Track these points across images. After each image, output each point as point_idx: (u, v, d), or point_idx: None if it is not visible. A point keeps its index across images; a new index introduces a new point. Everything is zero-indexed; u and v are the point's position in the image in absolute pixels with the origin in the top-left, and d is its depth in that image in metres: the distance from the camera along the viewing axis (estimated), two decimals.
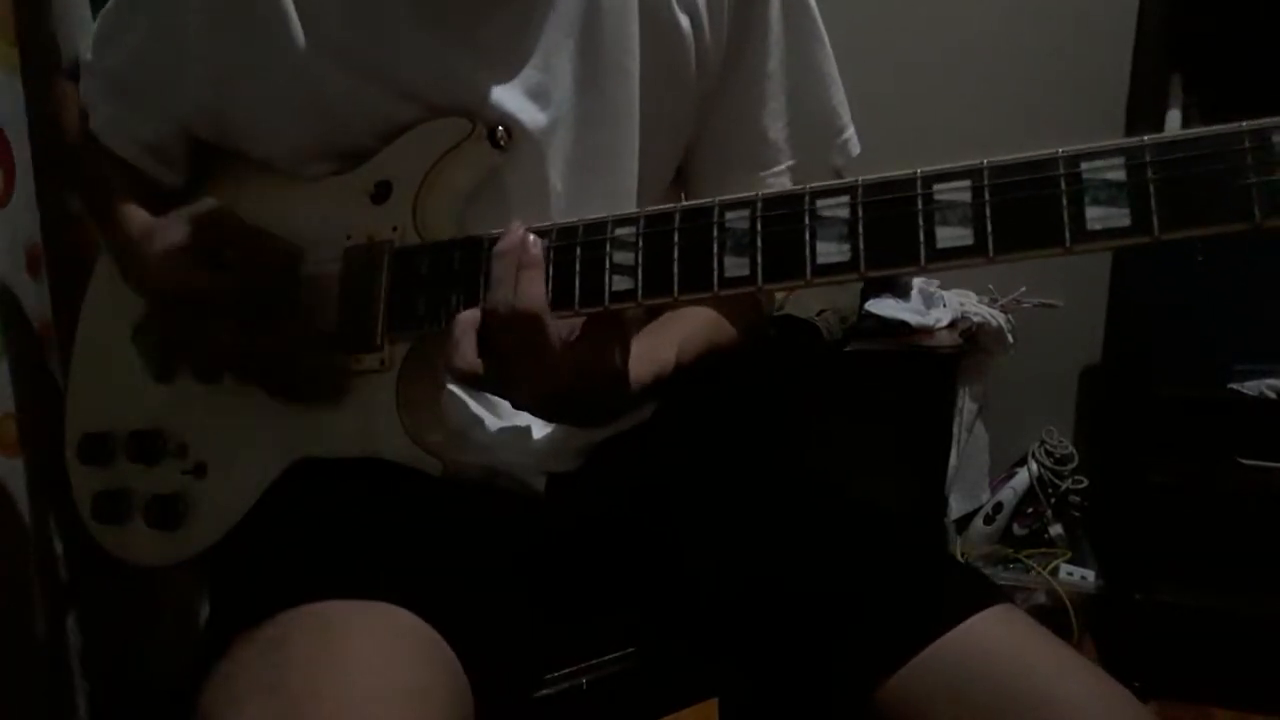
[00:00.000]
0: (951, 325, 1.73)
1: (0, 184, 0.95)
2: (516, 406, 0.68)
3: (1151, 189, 0.50)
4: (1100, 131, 0.54)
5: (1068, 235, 0.52)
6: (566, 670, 0.82)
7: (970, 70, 1.95)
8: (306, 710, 0.53)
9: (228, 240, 0.75)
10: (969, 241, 0.54)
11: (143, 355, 0.84)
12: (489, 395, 0.80)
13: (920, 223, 0.55)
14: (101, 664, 1.09)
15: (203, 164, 0.86)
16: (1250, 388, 1.64)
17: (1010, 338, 1.79)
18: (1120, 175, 0.51)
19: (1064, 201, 0.52)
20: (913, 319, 1.69)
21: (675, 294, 0.62)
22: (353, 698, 0.55)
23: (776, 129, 0.84)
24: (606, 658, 0.84)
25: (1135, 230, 0.50)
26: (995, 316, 1.78)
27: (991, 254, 0.53)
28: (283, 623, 0.60)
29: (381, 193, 0.76)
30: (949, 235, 0.54)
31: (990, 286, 1.85)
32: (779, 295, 1.64)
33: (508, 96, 0.74)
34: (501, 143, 0.74)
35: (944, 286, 1.81)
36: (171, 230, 0.75)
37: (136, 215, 0.80)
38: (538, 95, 0.76)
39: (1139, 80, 1.83)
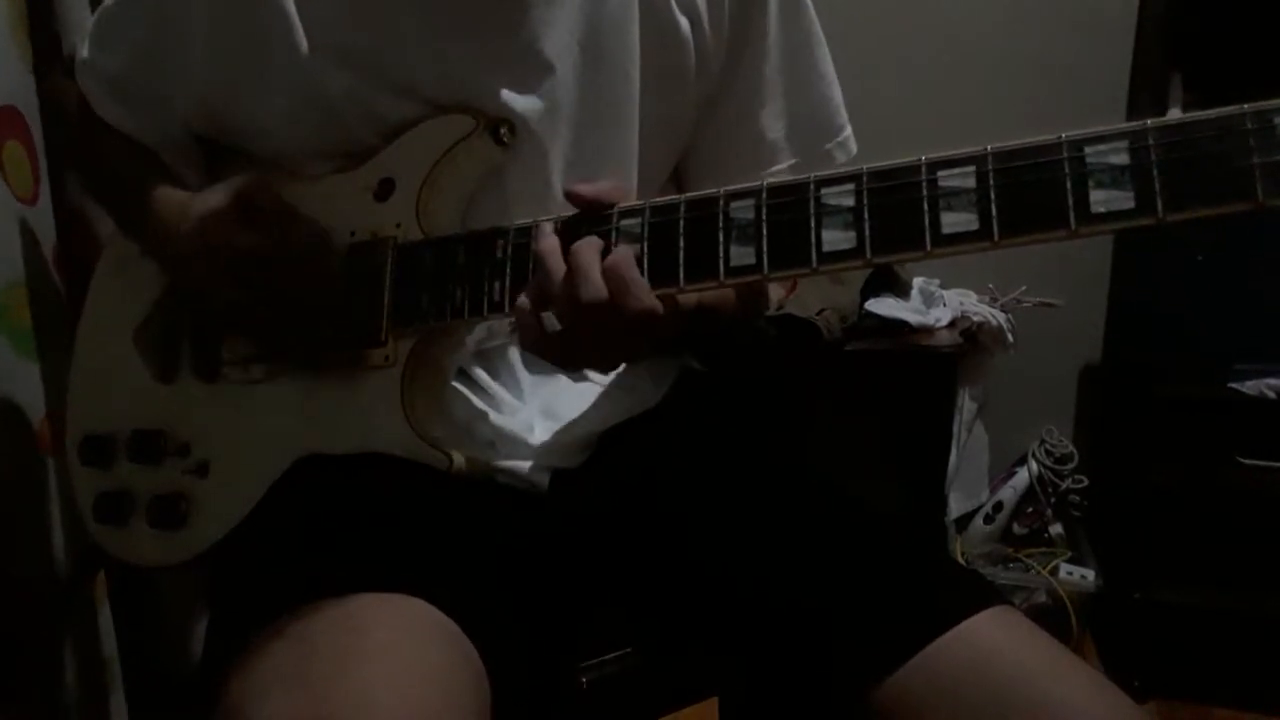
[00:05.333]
0: (951, 324, 1.73)
1: (29, 182, 0.95)
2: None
3: (1155, 171, 0.51)
4: None
5: (1073, 218, 0.52)
6: (566, 669, 0.83)
7: (970, 70, 1.95)
8: (333, 700, 0.54)
9: (269, 208, 0.74)
10: (974, 226, 0.55)
11: (144, 355, 0.84)
12: (490, 392, 0.80)
13: (925, 209, 0.56)
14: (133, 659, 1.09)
15: (208, 162, 0.86)
16: (1250, 388, 1.64)
17: (1010, 337, 1.79)
18: (1124, 159, 0.52)
19: (1068, 185, 0.53)
20: (913, 318, 1.69)
21: (681, 283, 0.63)
22: (378, 687, 0.55)
23: (776, 129, 0.84)
24: (606, 657, 0.84)
25: (1139, 212, 0.51)
26: (995, 316, 1.78)
27: (997, 238, 0.54)
28: (305, 615, 0.60)
29: (385, 190, 0.77)
30: (954, 220, 0.55)
31: (990, 286, 1.85)
32: (779, 295, 1.64)
33: (512, 96, 0.75)
34: (505, 140, 0.74)
35: (944, 285, 1.81)
36: (213, 195, 0.75)
37: (168, 191, 0.80)
38: (542, 95, 0.76)
39: (1139, 78, 1.83)
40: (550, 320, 0.65)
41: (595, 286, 0.62)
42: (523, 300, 0.66)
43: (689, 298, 0.67)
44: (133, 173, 0.83)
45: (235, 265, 0.73)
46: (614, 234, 0.65)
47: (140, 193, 0.81)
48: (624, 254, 0.63)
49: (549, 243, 0.65)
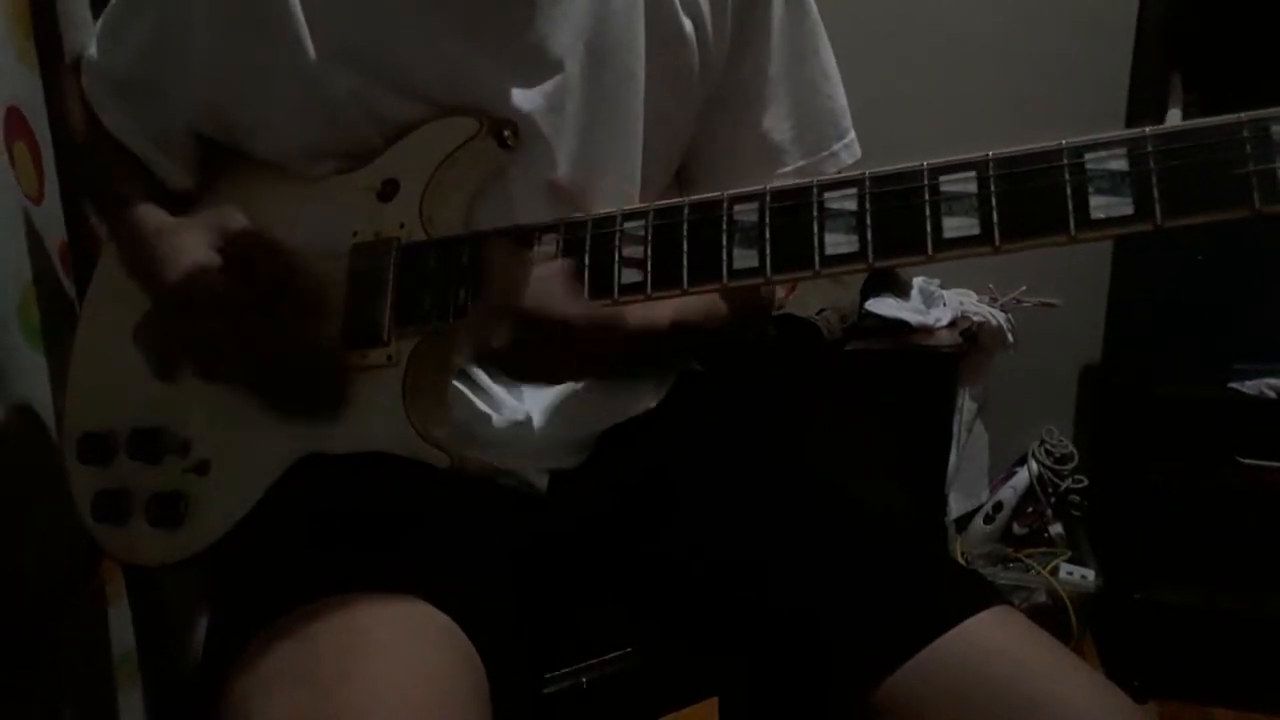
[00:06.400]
0: (951, 324, 1.73)
1: (34, 181, 0.96)
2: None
3: (1154, 178, 0.52)
4: (1101, 130, 0.54)
5: (1072, 224, 0.53)
6: (566, 669, 0.83)
7: (970, 70, 1.95)
8: (337, 697, 0.55)
9: (240, 245, 0.75)
10: (975, 231, 0.55)
11: (144, 353, 0.84)
12: (491, 393, 0.80)
13: (927, 213, 0.57)
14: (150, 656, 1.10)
15: (210, 162, 0.86)
16: (1250, 388, 1.64)
17: (1010, 337, 1.79)
18: (1123, 165, 0.52)
19: (1068, 191, 0.53)
20: (913, 318, 1.69)
21: (684, 286, 0.63)
22: (380, 687, 0.56)
23: (781, 131, 0.84)
24: (606, 657, 0.84)
25: (1138, 218, 0.52)
26: (995, 315, 1.78)
27: (998, 243, 0.55)
28: (307, 615, 0.61)
29: (388, 190, 0.77)
30: (955, 225, 0.56)
31: (990, 285, 1.85)
32: (779, 295, 1.64)
33: (519, 96, 0.75)
34: (509, 143, 0.74)
35: (944, 285, 1.82)
36: (184, 231, 0.75)
37: (148, 212, 0.80)
38: (548, 95, 0.76)
39: (1139, 79, 1.83)
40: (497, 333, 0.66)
41: (527, 296, 0.64)
42: (471, 313, 0.68)
43: (663, 314, 0.67)
44: (119, 188, 0.83)
45: (204, 309, 0.73)
46: (618, 236, 0.65)
47: (123, 212, 0.81)
48: (553, 266, 0.65)
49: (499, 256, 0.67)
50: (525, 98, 0.75)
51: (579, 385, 0.84)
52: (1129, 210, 0.52)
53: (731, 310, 0.82)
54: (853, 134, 0.87)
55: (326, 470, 0.75)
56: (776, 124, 0.84)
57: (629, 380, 0.85)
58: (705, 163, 0.87)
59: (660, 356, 0.87)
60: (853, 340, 1.68)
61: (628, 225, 0.66)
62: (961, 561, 1.86)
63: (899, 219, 0.57)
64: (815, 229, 0.60)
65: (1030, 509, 1.97)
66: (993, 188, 0.55)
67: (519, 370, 0.70)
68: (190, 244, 0.74)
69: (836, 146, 0.86)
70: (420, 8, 0.74)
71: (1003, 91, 1.92)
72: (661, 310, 0.71)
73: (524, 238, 0.70)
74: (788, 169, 0.84)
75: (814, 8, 0.84)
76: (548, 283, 0.64)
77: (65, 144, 1.00)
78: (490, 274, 0.66)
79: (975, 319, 1.76)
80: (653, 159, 0.82)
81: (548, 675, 0.81)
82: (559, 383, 0.79)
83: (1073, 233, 0.53)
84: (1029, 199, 0.54)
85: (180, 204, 0.85)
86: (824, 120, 0.85)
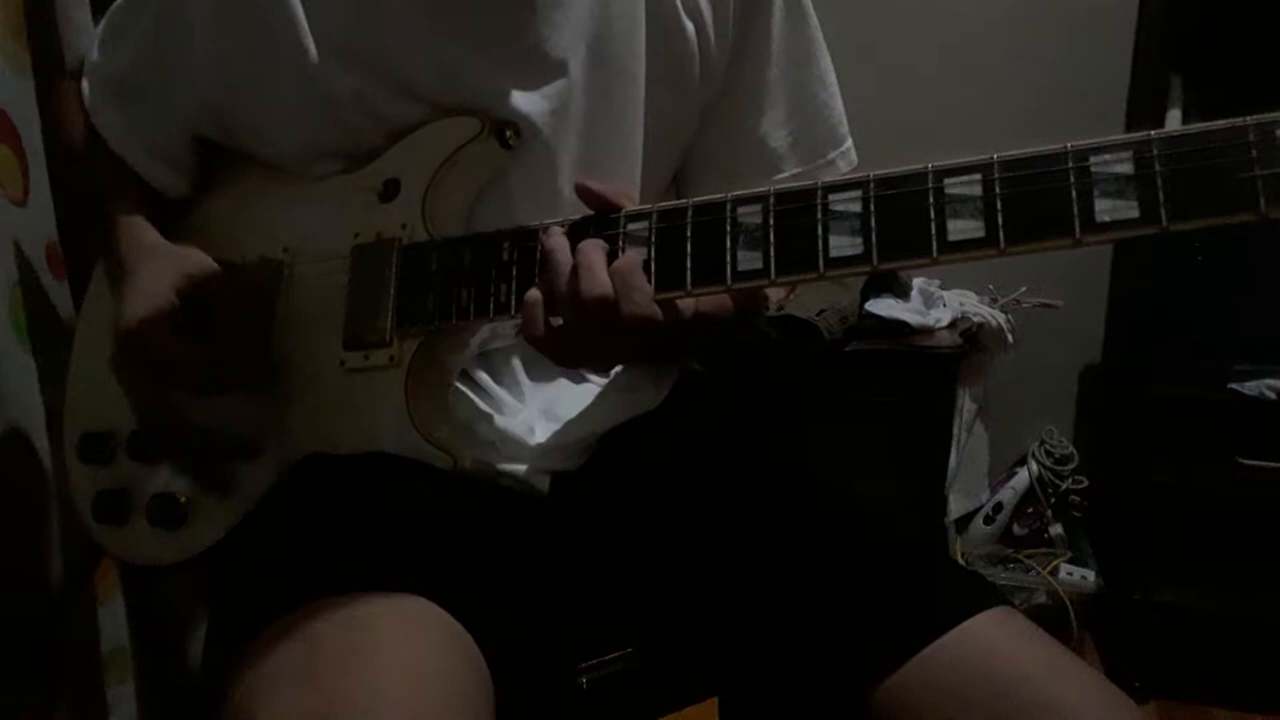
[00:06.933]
0: (951, 325, 1.73)
1: (19, 183, 0.95)
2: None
3: (1159, 182, 0.52)
4: (1101, 131, 0.55)
5: (1077, 227, 0.53)
6: (567, 669, 0.83)
7: (970, 70, 1.95)
8: (340, 698, 0.55)
9: (201, 287, 0.75)
10: (980, 234, 0.55)
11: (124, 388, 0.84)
12: (492, 394, 0.80)
13: (932, 216, 0.57)
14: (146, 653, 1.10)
15: (210, 164, 0.86)
16: (1250, 388, 1.64)
17: (1010, 337, 1.79)
18: (1128, 169, 0.52)
19: (1073, 194, 0.53)
20: (913, 319, 1.69)
21: (689, 287, 0.63)
22: (384, 685, 0.56)
23: (778, 137, 0.84)
24: (606, 657, 0.84)
25: (1143, 222, 0.52)
26: (995, 316, 1.78)
27: (1003, 246, 0.55)
28: (310, 614, 0.61)
29: (390, 191, 0.77)
30: (960, 228, 0.56)
31: (990, 286, 1.85)
32: (779, 296, 1.65)
33: (520, 98, 0.75)
34: (510, 143, 0.75)
35: (944, 286, 1.82)
36: (144, 270, 0.76)
37: (128, 233, 0.80)
38: (550, 97, 0.76)
39: (1139, 80, 1.83)
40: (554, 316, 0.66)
41: (600, 284, 0.63)
42: (533, 293, 0.67)
43: (687, 306, 0.67)
44: (110, 205, 0.83)
45: (170, 381, 0.75)
46: (621, 237, 0.66)
47: (110, 227, 0.81)
48: (632, 257, 0.64)
49: (557, 240, 0.66)
50: (527, 100, 0.75)
51: (578, 386, 0.85)
52: (1134, 214, 0.52)
53: (735, 307, 0.83)
54: (849, 142, 0.87)
55: (328, 470, 0.75)
56: (774, 129, 0.84)
57: (635, 374, 0.85)
58: (701, 166, 0.87)
59: (676, 349, 0.87)
60: (853, 341, 1.68)
61: (631, 226, 0.66)
62: (961, 562, 1.86)
63: (904, 221, 0.57)
64: (820, 231, 0.60)
65: (1030, 509, 1.97)
66: (998, 190, 0.55)
67: (564, 353, 0.69)
68: (151, 284, 0.74)
69: (833, 154, 0.86)
70: (419, 9, 0.74)
71: (1003, 91, 1.92)
72: (687, 302, 0.71)
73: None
74: (784, 175, 0.84)
75: (814, 15, 0.84)
76: (626, 272, 0.63)
77: (58, 148, 1.00)
78: (556, 256, 0.65)
79: (975, 319, 1.76)
80: (653, 161, 0.82)
81: (549, 674, 0.81)
82: (602, 370, 0.80)
83: (1078, 236, 0.53)
84: (1034, 202, 0.54)
85: (179, 209, 0.85)
86: (821, 127, 0.85)
